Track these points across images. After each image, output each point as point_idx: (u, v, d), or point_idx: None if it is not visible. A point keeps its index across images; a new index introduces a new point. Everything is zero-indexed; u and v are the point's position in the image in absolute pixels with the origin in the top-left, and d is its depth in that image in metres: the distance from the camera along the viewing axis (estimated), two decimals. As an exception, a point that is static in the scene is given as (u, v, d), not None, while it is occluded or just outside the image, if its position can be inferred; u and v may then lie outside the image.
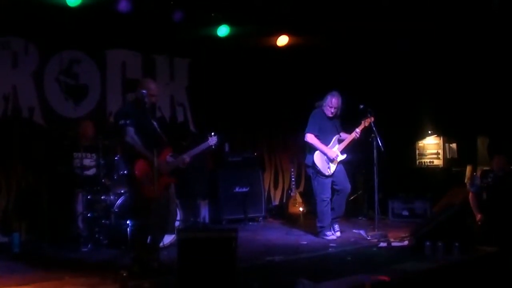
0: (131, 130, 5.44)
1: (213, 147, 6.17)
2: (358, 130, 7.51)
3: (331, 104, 7.45)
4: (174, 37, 8.63)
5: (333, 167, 7.45)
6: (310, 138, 7.45)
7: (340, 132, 7.63)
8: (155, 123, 5.72)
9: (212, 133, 6.12)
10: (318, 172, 7.43)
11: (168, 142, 5.82)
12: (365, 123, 7.56)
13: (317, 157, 7.43)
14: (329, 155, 7.41)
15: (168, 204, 5.71)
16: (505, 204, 7.21)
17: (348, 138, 7.53)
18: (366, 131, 7.62)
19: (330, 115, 7.53)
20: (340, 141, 7.56)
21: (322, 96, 7.63)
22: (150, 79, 6.45)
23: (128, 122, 5.42)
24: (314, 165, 7.43)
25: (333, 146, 7.52)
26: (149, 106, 5.69)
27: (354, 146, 7.75)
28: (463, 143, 9.75)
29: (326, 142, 7.48)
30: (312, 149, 7.48)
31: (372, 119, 7.55)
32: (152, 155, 5.33)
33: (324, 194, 7.45)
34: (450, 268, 5.81)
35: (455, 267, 5.85)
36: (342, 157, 7.51)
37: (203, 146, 6.07)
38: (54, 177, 7.27)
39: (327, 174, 7.42)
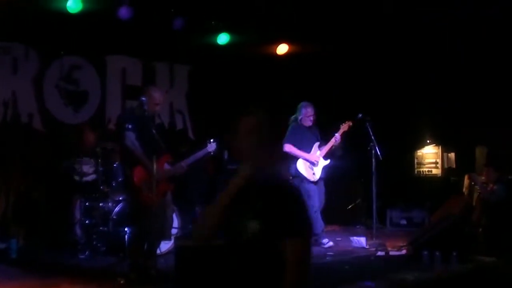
0: (132, 135, 5.39)
1: (211, 153, 6.17)
2: (337, 135, 7.56)
3: (309, 113, 7.54)
4: (175, 44, 8.64)
5: (318, 172, 7.51)
6: (288, 147, 7.41)
7: (319, 140, 7.68)
8: (154, 131, 5.70)
9: (211, 140, 6.14)
10: (304, 179, 7.46)
11: (167, 150, 5.80)
12: (344, 127, 7.61)
13: (300, 165, 7.49)
14: (310, 159, 7.47)
15: (165, 211, 5.71)
16: (500, 214, 7.25)
17: (328, 144, 7.57)
18: (365, 140, 7.65)
19: (311, 124, 7.60)
20: (321, 147, 7.63)
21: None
22: (154, 87, 6.41)
23: (130, 127, 5.38)
24: (297, 173, 7.46)
25: (314, 153, 7.58)
26: (151, 114, 5.66)
27: (351, 153, 7.77)
28: (461, 152, 9.75)
29: (307, 151, 7.55)
30: (294, 159, 7.51)
31: (351, 123, 7.59)
32: (150, 163, 5.31)
33: (311, 201, 7.34)
34: (448, 277, 5.81)
35: (453, 277, 5.85)
36: (325, 162, 7.57)
37: (202, 152, 6.08)
38: (52, 183, 7.26)
39: (313, 180, 7.47)
